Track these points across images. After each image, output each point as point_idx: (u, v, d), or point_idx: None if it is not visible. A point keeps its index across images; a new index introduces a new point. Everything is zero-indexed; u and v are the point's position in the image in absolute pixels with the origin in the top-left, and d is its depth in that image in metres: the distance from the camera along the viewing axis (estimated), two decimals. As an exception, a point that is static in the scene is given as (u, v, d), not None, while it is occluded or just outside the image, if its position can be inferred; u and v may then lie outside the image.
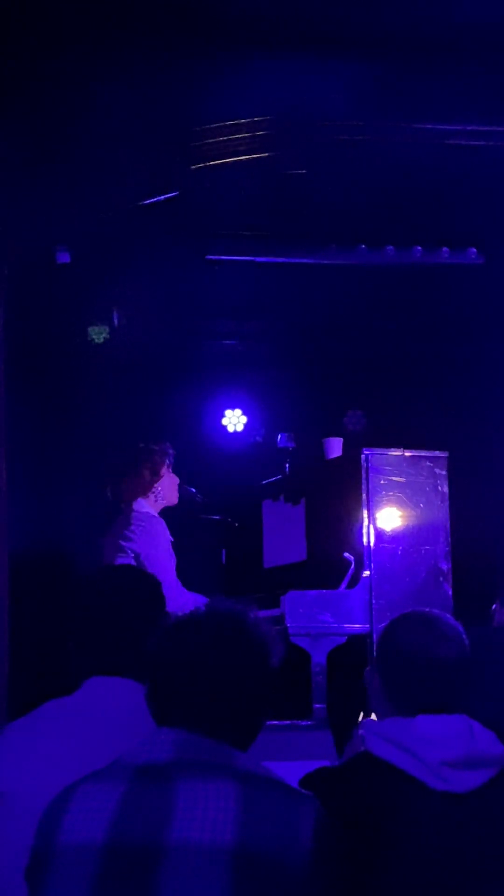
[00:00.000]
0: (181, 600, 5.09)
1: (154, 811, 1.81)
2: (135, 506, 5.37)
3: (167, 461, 5.49)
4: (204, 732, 1.92)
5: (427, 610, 2.39)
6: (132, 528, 5.26)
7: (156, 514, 5.41)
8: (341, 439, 6.50)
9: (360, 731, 2.25)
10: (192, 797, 1.81)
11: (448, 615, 2.37)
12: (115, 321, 6.76)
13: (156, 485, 5.44)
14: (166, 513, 5.54)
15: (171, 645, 2.02)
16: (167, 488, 5.50)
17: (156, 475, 5.44)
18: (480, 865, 2.10)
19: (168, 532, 5.38)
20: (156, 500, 5.44)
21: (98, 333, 6.68)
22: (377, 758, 2.18)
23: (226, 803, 1.79)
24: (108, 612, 2.54)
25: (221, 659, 1.98)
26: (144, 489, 5.42)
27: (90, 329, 6.66)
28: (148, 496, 5.42)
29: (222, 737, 1.93)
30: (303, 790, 1.90)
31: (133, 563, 5.17)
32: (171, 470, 5.52)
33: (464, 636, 2.32)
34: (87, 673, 2.47)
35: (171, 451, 5.52)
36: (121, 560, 5.19)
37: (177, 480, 5.57)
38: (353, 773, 2.20)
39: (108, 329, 6.72)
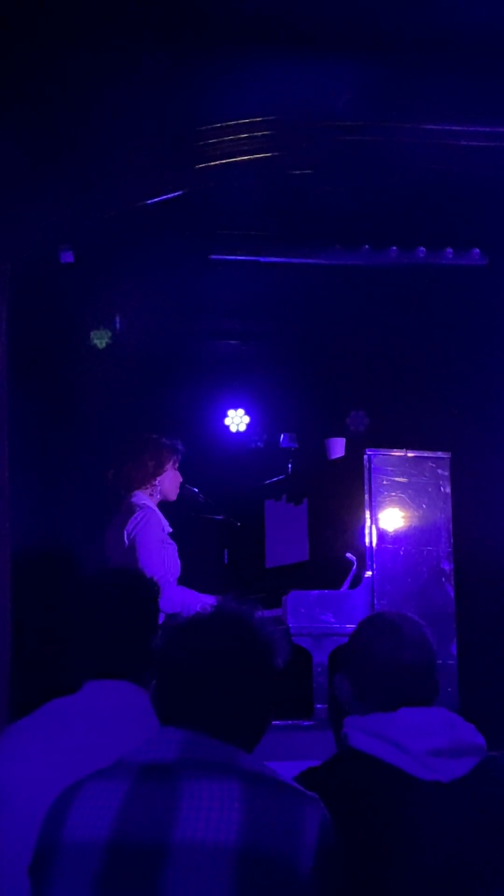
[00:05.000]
0: (170, 594, 5.09)
1: (158, 810, 1.81)
2: (133, 499, 5.38)
3: (174, 458, 5.50)
4: (209, 732, 1.93)
5: (391, 614, 2.42)
6: (130, 520, 5.27)
7: (153, 507, 5.41)
8: (344, 440, 6.50)
9: (343, 730, 2.26)
10: (197, 796, 1.81)
11: (413, 617, 2.39)
12: (118, 325, 6.76)
13: (157, 477, 5.45)
14: (169, 512, 5.55)
15: (177, 645, 2.02)
16: (168, 484, 5.50)
17: (159, 467, 5.45)
18: (469, 853, 2.11)
19: (164, 523, 5.38)
20: (154, 493, 5.45)
21: (100, 338, 6.69)
22: (361, 752, 2.19)
23: (230, 803, 1.79)
24: (100, 619, 2.56)
25: (227, 659, 1.98)
26: (145, 479, 5.42)
27: (93, 333, 6.67)
28: (147, 487, 5.43)
29: (227, 737, 1.93)
30: (307, 791, 1.90)
31: (131, 555, 5.19)
32: (176, 467, 5.53)
33: (428, 638, 2.35)
34: (84, 676, 2.48)
35: (180, 449, 5.53)
36: (121, 553, 5.21)
37: (179, 479, 5.58)
38: (339, 770, 2.21)
39: (110, 334, 6.72)
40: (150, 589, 2.67)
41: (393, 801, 2.13)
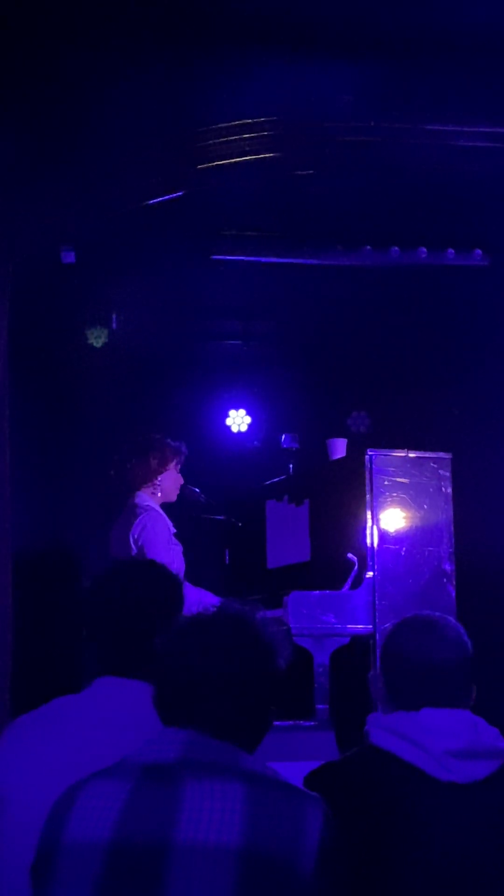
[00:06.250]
0: (185, 595, 5.09)
1: (160, 811, 1.81)
2: (137, 499, 5.39)
3: (177, 459, 5.52)
4: (211, 733, 1.93)
5: (429, 613, 2.42)
6: (135, 521, 5.28)
7: (157, 507, 5.42)
8: (345, 440, 6.50)
9: (366, 727, 2.27)
10: (199, 797, 1.81)
11: (450, 617, 2.40)
12: (119, 329, 6.76)
13: (160, 476, 5.46)
14: (171, 513, 5.55)
15: (179, 645, 2.02)
16: (169, 484, 5.51)
17: (162, 466, 5.47)
18: (485, 856, 2.11)
19: (170, 524, 5.39)
20: (155, 493, 5.46)
21: (97, 337, 6.69)
22: (382, 749, 2.19)
23: (232, 804, 1.79)
24: (123, 611, 2.48)
25: (229, 660, 1.98)
26: (147, 477, 5.43)
27: (88, 332, 6.67)
28: (149, 486, 5.44)
29: (229, 737, 1.93)
30: (309, 791, 1.90)
31: (137, 556, 5.20)
32: (178, 469, 5.54)
33: (465, 638, 2.35)
34: (97, 671, 2.43)
35: (184, 451, 5.55)
36: (126, 554, 5.21)
37: (181, 481, 5.59)
38: (358, 766, 2.22)
39: (106, 332, 6.72)
40: (175, 584, 2.60)
41: (409, 800, 2.13)
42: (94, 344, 6.64)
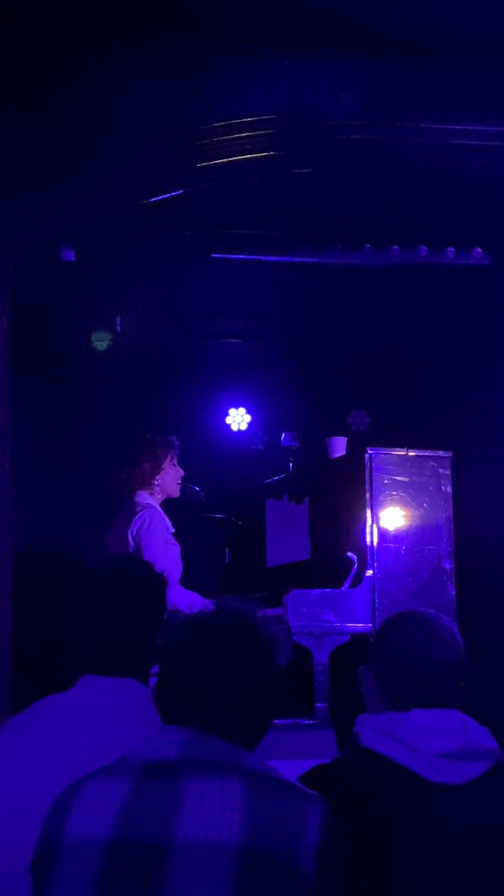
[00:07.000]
0: (177, 596, 5.09)
1: (160, 809, 1.81)
2: (137, 498, 5.39)
3: (170, 454, 5.50)
4: (211, 731, 1.93)
5: (423, 611, 2.40)
6: (133, 520, 5.27)
7: (156, 506, 5.41)
8: (345, 439, 6.50)
9: (355, 728, 2.26)
10: (199, 796, 1.81)
11: (444, 616, 2.38)
12: (119, 327, 6.77)
13: (156, 477, 5.45)
14: (171, 511, 5.55)
15: (179, 644, 2.02)
16: (169, 481, 5.50)
17: (156, 468, 5.45)
18: (476, 857, 2.11)
19: (168, 523, 5.38)
20: (156, 492, 5.46)
21: (101, 341, 6.69)
22: (372, 751, 2.19)
23: (232, 802, 1.80)
24: (105, 609, 2.50)
25: (230, 658, 1.98)
26: (144, 481, 5.43)
27: (93, 336, 6.67)
28: (148, 487, 5.44)
29: (229, 736, 1.93)
30: (309, 790, 1.90)
31: (133, 553, 5.19)
32: (175, 462, 5.53)
33: (458, 638, 2.34)
34: (83, 669, 2.44)
35: (176, 444, 5.52)
36: (123, 551, 5.20)
37: (181, 473, 5.57)
38: (349, 768, 2.21)
39: (110, 336, 6.73)
40: (159, 582, 2.63)
41: (400, 801, 2.13)
42: (99, 348, 6.65)
